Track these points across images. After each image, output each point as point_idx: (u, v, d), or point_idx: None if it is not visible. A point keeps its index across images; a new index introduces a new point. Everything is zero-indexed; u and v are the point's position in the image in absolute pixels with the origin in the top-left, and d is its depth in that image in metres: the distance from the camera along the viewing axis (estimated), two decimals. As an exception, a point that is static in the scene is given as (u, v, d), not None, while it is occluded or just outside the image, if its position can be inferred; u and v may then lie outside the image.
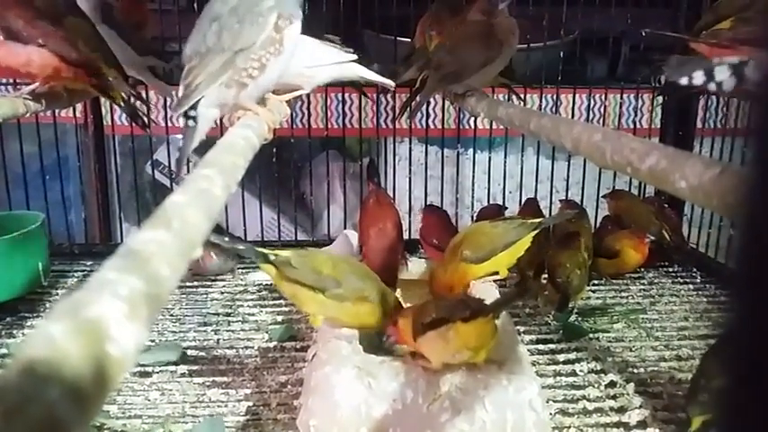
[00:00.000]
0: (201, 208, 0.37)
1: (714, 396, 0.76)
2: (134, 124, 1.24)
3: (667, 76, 0.51)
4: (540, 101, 1.53)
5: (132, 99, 1.13)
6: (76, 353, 0.21)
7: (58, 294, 1.26)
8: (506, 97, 1.36)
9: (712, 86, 0.49)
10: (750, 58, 0.51)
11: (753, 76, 0.49)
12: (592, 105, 1.61)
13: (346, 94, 1.61)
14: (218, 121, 1.52)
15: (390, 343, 0.85)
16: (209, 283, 1.33)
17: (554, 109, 1.57)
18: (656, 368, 1.02)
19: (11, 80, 1.32)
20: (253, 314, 1.20)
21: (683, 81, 0.50)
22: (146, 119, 1.21)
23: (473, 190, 1.55)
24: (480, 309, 0.79)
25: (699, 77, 0.49)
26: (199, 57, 0.69)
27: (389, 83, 1.03)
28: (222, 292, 1.29)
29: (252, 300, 1.26)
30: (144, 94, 1.39)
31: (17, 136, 1.37)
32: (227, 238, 0.92)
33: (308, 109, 1.54)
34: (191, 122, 0.70)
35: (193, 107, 0.69)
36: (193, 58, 0.69)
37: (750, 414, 0.20)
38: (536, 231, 1.05)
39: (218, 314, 1.20)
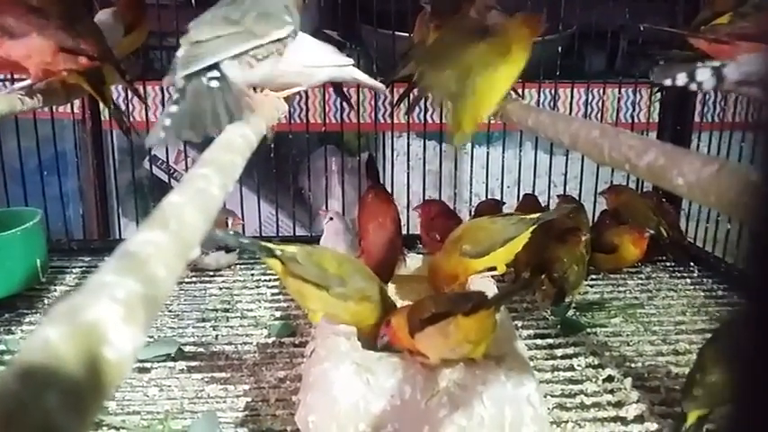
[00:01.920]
0: (199, 208, 0.37)
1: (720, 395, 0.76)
2: (130, 121, 1.23)
3: (653, 78, 0.53)
4: (539, 95, 1.53)
5: (129, 94, 1.13)
6: (73, 357, 0.21)
7: (56, 291, 1.26)
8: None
9: (693, 86, 0.51)
10: (739, 57, 0.53)
11: (734, 76, 0.50)
12: (590, 100, 1.61)
13: (344, 90, 1.60)
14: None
15: (384, 343, 0.85)
16: (208, 279, 1.33)
17: (552, 103, 1.57)
18: (653, 363, 1.02)
19: (8, 75, 1.32)
20: (251, 310, 1.20)
21: (667, 82, 0.51)
22: (129, 125, 1.19)
23: (471, 185, 1.55)
24: (481, 302, 0.79)
25: (681, 79, 0.50)
26: (212, 24, 0.67)
27: (382, 87, 1.04)
28: (221, 288, 1.30)
29: (250, 295, 1.26)
30: (141, 90, 1.40)
31: (15, 132, 1.36)
32: (231, 231, 0.92)
33: (307, 104, 1.54)
34: (213, 83, 0.63)
35: (212, 68, 0.64)
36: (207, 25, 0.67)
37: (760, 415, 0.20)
38: (534, 227, 1.05)
39: (216, 310, 1.20)
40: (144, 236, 0.31)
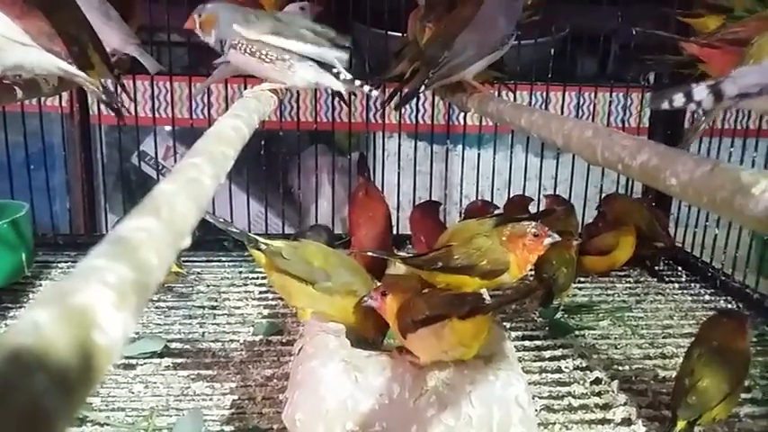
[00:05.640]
0: (190, 197, 0.36)
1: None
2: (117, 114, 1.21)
3: (650, 105, 0.54)
4: (530, 98, 1.53)
5: (117, 87, 1.11)
6: (63, 341, 0.21)
7: (41, 285, 1.25)
8: (497, 93, 1.36)
9: (692, 106, 0.52)
10: (734, 70, 0.53)
11: (733, 91, 0.51)
12: (581, 103, 1.61)
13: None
14: (207, 112, 1.52)
15: (367, 304, 0.84)
16: (196, 276, 1.32)
17: (543, 106, 1.57)
18: (640, 366, 1.02)
19: None
20: (239, 307, 1.20)
21: (665, 106, 0.52)
22: (122, 109, 1.18)
23: (461, 186, 1.55)
24: (479, 306, 0.78)
25: (679, 99, 0.51)
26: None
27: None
28: (208, 285, 1.29)
29: (238, 293, 1.26)
30: (131, 84, 1.38)
31: (2, 125, 1.35)
32: (221, 219, 0.91)
33: (298, 102, 1.53)
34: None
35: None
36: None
37: None
38: None
39: (203, 307, 1.19)
40: (135, 222, 0.30)
